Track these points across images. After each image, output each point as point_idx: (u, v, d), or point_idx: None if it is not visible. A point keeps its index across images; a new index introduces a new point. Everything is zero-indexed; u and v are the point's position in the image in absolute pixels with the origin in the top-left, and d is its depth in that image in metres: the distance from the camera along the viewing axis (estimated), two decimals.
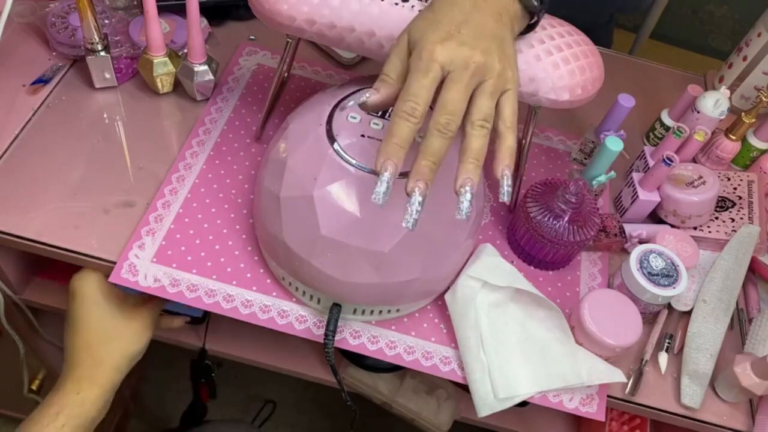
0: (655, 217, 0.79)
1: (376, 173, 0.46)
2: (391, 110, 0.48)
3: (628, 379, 0.67)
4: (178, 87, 0.81)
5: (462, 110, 0.47)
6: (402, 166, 0.46)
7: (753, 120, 0.81)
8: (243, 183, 0.74)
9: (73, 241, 0.67)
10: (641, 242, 0.76)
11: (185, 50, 0.79)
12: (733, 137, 0.83)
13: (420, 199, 0.45)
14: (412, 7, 0.59)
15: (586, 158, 0.84)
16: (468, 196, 0.46)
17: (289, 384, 1.50)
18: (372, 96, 0.49)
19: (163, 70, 0.77)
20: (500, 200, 0.49)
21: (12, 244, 0.67)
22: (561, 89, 0.61)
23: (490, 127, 0.48)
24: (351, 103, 0.58)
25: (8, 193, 0.69)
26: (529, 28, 0.58)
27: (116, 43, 0.80)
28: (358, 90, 0.61)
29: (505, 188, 0.49)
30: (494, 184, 0.80)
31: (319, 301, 0.64)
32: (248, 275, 0.67)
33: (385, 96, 0.49)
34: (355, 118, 0.58)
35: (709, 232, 0.77)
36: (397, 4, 0.59)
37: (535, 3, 0.54)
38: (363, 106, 0.50)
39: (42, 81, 0.78)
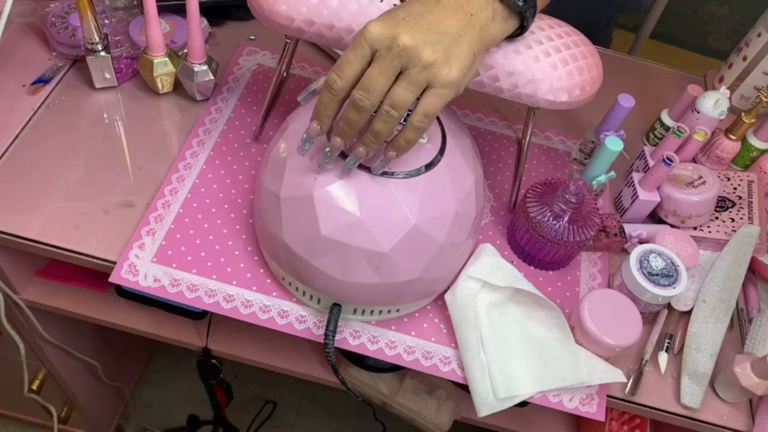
0: (655, 217, 0.79)
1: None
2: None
3: (628, 379, 0.67)
4: (178, 87, 0.81)
5: (379, 90, 0.48)
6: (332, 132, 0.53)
7: (753, 120, 0.81)
8: (243, 183, 0.74)
9: (73, 241, 0.67)
10: (641, 242, 0.76)
11: (185, 50, 0.79)
12: (733, 137, 0.83)
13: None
14: None
15: (586, 158, 0.84)
16: (351, 162, 0.53)
17: (289, 384, 1.50)
18: (321, 83, 0.53)
19: (163, 70, 0.77)
20: (373, 171, 0.55)
21: (12, 244, 0.67)
22: (559, 90, 0.61)
23: (399, 115, 0.49)
24: (302, 96, 0.57)
25: (8, 193, 0.69)
26: (522, 29, 0.57)
27: (116, 43, 0.80)
28: None
29: (377, 165, 0.54)
30: (494, 184, 0.80)
31: (319, 301, 0.64)
32: (248, 275, 0.67)
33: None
34: None
35: (709, 232, 0.77)
36: (395, 4, 0.59)
37: (520, 2, 0.53)
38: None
39: (42, 81, 0.78)
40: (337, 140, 0.52)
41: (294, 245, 0.59)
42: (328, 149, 0.53)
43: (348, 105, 0.50)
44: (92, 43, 0.74)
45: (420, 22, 0.48)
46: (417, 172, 0.57)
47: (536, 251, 0.71)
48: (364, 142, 0.52)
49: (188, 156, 0.75)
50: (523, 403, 0.65)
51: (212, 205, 0.71)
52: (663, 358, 0.70)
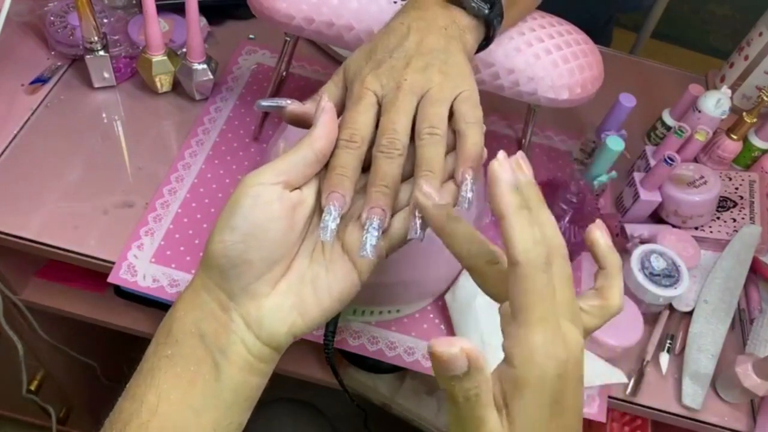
0: (656, 217, 0.78)
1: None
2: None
3: (629, 379, 0.67)
4: (177, 86, 0.80)
5: (403, 128, 0.43)
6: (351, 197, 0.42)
7: (754, 119, 0.80)
8: None
9: (73, 241, 0.66)
10: (642, 242, 0.75)
11: (184, 49, 0.79)
12: (735, 137, 0.82)
13: (376, 225, 0.40)
14: None
15: (587, 158, 0.83)
16: (418, 220, 0.40)
17: (288, 384, 1.50)
18: (292, 105, 0.45)
19: (162, 69, 0.77)
20: (456, 207, 0.41)
21: (10, 245, 0.67)
22: (560, 88, 0.61)
23: (442, 132, 0.43)
24: (264, 103, 0.48)
25: (7, 193, 0.69)
26: (488, 41, 0.53)
27: (115, 42, 0.80)
28: None
29: (463, 194, 0.41)
30: None
31: None
32: None
33: (306, 110, 0.46)
34: None
35: (711, 232, 0.77)
36: (395, 2, 0.59)
37: (486, 10, 0.50)
38: (282, 113, 0.46)
39: (41, 80, 0.78)
40: (376, 210, 0.40)
41: None
42: (371, 227, 0.40)
43: (375, 159, 0.42)
44: (91, 43, 0.74)
45: (407, 52, 0.46)
46: None
47: None
48: (423, 177, 0.41)
49: (187, 156, 0.74)
50: None
51: (211, 205, 0.71)
52: (664, 358, 0.69)
